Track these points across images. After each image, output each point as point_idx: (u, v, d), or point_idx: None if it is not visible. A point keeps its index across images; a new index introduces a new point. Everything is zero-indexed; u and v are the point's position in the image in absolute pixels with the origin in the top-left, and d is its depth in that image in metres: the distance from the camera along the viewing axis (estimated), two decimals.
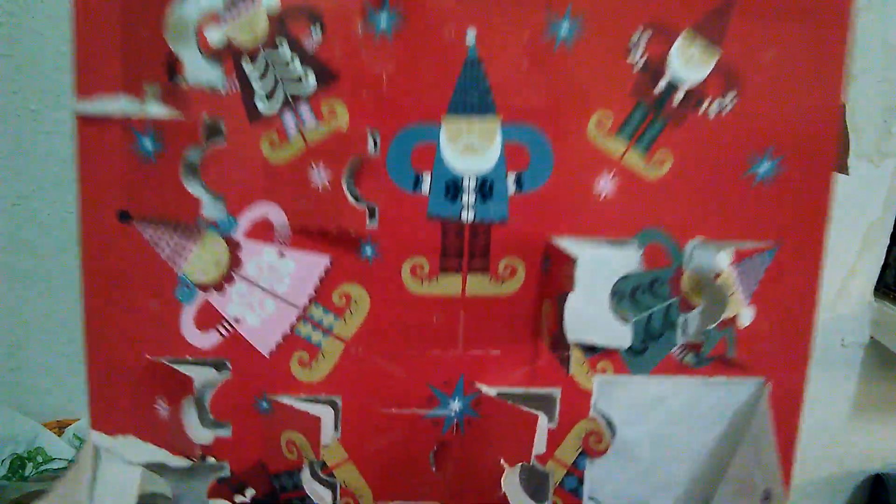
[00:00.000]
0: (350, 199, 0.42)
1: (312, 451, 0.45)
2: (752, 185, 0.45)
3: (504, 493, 0.44)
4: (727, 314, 0.45)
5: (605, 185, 0.45)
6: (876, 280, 0.74)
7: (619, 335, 0.45)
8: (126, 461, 0.46)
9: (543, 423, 0.45)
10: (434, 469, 0.48)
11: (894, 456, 0.79)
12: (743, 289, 0.45)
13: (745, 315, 0.45)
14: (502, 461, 0.45)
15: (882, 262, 0.73)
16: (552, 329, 0.44)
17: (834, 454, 0.79)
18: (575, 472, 0.49)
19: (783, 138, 0.44)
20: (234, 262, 0.44)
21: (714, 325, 0.45)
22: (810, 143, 0.45)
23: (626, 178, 0.44)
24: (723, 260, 0.44)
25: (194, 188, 0.43)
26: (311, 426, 0.44)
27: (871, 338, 0.75)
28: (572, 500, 0.49)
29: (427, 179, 0.44)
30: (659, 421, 0.48)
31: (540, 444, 0.46)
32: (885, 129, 0.70)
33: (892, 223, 0.72)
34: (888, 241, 0.73)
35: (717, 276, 0.44)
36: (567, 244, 0.44)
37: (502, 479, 0.44)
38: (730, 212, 0.45)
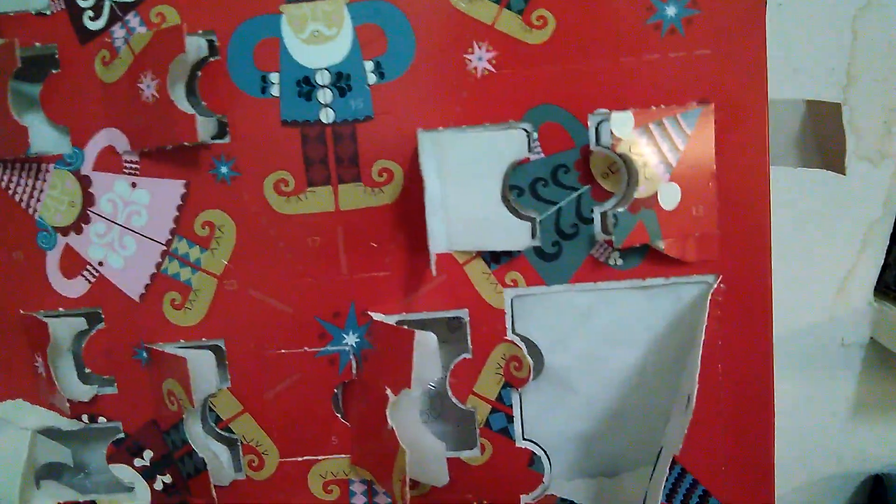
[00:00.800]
0: (178, 105, 0.37)
1: (187, 399, 0.40)
2: (660, 34, 0.37)
3: (391, 428, 0.38)
4: (641, 193, 0.37)
5: (480, 59, 0.38)
6: (876, 280, 0.73)
7: (518, 235, 0.39)
8: (18, 427, 0.44)
9: (429, 341, 0.39)
10: (340, 416, 0.42)
11: (894, 456, 0.78)
12: (659, 160, 0.37)
13: (668, 193, 0.37)
14: (388, 391, 0.38)
15: (882, 263, 0.72)
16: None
17: (833, 454, 0.78)
18: (501, 408, 0.42)
19: None
20: (88, 199, 0.41)
21: (624, 208, 0.37)
22: None
23: (503, 48, 0.38)
24: (621, 121, 0.36)
25: (35, 124, 0.40)
26: (181, 371, 0.40)
27: (871, 338, 0.74)
28: (504, 442, 0.42)
29: (275, 80, 0.39)
30: (590, 340, 0.41)
31: (428, 366, 0.39)
32: (885, 130, 0.69)
33: (892, 223, 0.71)
34: (888, 242, 0.71)
35: (617, 142, 0.36)
36: (439, 136, 0.38)
37: (386, 410, 0.38)
38: (637, 72, 0.38)
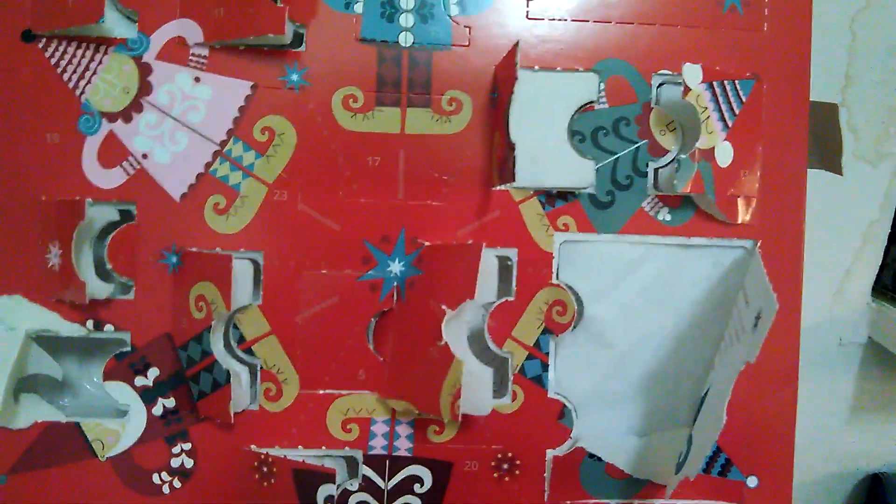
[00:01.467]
0: None
1: (224, 303, 0.38)
2: (722, 10, 0.41)
3: (444, 343, 0.37)
4: (702, 144, 0.39)
5: (559, 8, 0.40)
6: (874, 280, 0.74)
7: (580, 173, 0.40)
8: (9, 327, 0.39)
9: (492, 261, 0.38)
10: (372, 347, 0.41)
11: (892, 455, 0.78)
12: (718, 117, 0.40)
13: (723, 151, 0.40)
14: (443, 306, 0.37)
15: (880, 263, 0.73)
16: (500, 158, 0.39)
17: (832, 453, 0.78)
18: (537, 355, 0.41)
19: None
20: (144, 87, 0.39)
21: (686, 154, 0.39)
22: None
23: (580, 0, 0.40)
24: (692, 72, 0.38)
25: (106, 9, 0.38)
26: (223, 272, 0.38)
27: (869, 338, 0.75)
28: (536, 391, 0.41)
29: None
30: (631, 294, 0.41)
31: (487, 286, 0.38)
32: (884, 131, 0.71)
33: (890, 224, 0.72)
34: (886, 242, 0.73)
35: (686, 91, 0.38)
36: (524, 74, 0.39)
37: (442, 324, 0.37)
38: (699, 41, 0.41)
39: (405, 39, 0.40)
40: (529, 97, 0.40)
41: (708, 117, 0.39)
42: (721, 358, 0.39)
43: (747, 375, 0.41)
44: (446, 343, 0.37)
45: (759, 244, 0.41)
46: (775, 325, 0.39)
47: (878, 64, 0.69)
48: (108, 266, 0.39)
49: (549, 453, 0.41)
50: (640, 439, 0.42)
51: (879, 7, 0.68)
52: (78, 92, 0.39)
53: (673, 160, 0.41)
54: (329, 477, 0.38)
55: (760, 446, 0.42)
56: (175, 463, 0.40)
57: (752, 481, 0.42)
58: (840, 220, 0.72)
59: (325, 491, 0.38)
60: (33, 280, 0.39)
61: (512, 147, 0.35)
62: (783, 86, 0.41)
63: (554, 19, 0.40)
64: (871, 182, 0.71)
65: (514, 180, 0.35)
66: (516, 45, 0.35)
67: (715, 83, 0.39)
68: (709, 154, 0.39)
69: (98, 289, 0.39)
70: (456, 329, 0.38)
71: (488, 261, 0.39)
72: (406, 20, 0.40)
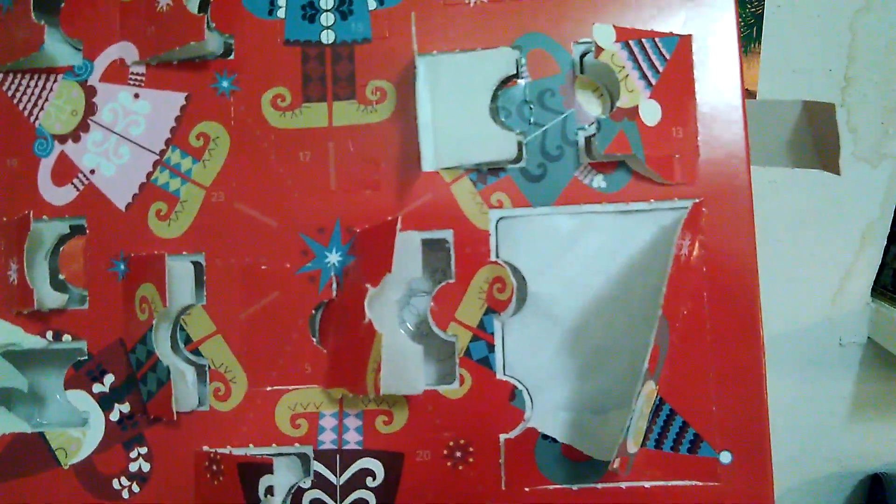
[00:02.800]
0: (189, 9, 0.40)
1: (160, 300, 0.39)
2: None
3: (367, 321, 0.36)
4: (623, 103, 0.38)
5: None
6: (873, 280, 0.73)
7: (503, 146, 0.40)
8: None
9: (411, 238, 0.38)
10: (316, 340, 0.41)
11: (892, 455, 0.76)
12: (639, 76, 0.39)
13: (648, 109, 0.39)
14: (367, 285, 0.37)
15: (879, 263, 0.73)
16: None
17: (832, 454, 0.77)
18: (483, 336, 0.40)
19: None
20: (90, 108, 0.42)
21: (606, 116, 0.38)
22: None
23: None
24: (602, 32, 0.38)
25: (51, 42, 0.42)
26: (158, 269, 0.39)
27: (869, 338, 0.74)
28: (484, 374, 0.40)
29: (282, 3, 0.42)
30: (574, 266, 0.40)
31: (411, 265, 0.38)
32: (883, 131, 0.71)
33: (890, 224, 0.72)
34: (885, 242, 0.72)
35: (599, 51, 0.38)
36: (433, 59, 0.40)
37: (365, 301, 0.37)
38: (618, 7, 0.40)
39: (327, 37, 0.42)
40: (451, 79, 0.40)
41: (627, 76, 0.39)
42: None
43: (707, 341, 0.39)
44: (370, 320, 0.37)
45: (701, 201, 0.39)
46: (734, 277, 0.37)
47: (878, 64, 0.68)
48: (61, 276, 0.41)
49: (503, 437, 0.40)
50: (597, 417, 0.40)
51: (879, 7, 0.67)
52: (32, 118, 0.42)
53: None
54: (267, 468, 0.38)
55: (731, 420, 0.39)
56: (133, 467, 0.41)
57: (725, 457, 0.39)
58: (839, 221, 0.71)
59: (266, 482, 0.38)
60: None
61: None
62: (713, 40, 0.40)
63: (471, 3, 0.41)
64: (870, 182, 0.70)
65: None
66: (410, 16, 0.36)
67: (631, 42, 0.39)
68: (632, 113, 0.39)
69: (51, 298, 0.41)
70: (380, 305, 0.38)
71: (408, 239, 0.38)
72: (326, 19, 0.42)
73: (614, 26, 0.39)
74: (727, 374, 0.39)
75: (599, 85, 0.40)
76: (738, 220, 0.40)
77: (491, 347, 0.40)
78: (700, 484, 0.39)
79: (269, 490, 0.38)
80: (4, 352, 0.42)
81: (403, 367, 0.37)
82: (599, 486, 0.40)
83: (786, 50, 0.64)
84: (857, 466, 0.76)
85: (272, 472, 0.38)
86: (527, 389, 0.40)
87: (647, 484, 0.39)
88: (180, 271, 0.40)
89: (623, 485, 0.39)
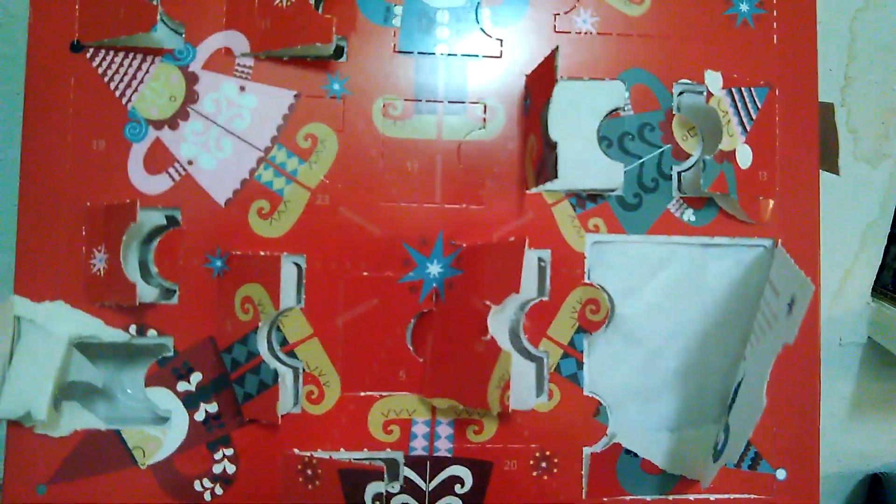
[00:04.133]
0: (314, 6, 0.39)
1: (272, 303, 0.38)
2: (734, 25, 0.44)
3: (490, 338, 0.38)
4: (724, 146, 0.41)
5: (585, 21, 0.43)
6: (873, 280, 0.74)
7: (611, 175, 0.42)
8: (51, 334, 0.39)
9: (533, 259, 0.40)
10: (411, 348, 0.41)
11: (892, 455, 0.77)
12: (738, 121, 0.42)
13: (743, 153, 0.42)
14: (487, 302, 0.38)
15: (880, 263, 0.73)
16: (536, 161, 0.40)
17: (831, 453, 0.77)
18: (573, 354, 0.42)
19: None
20: (191, 95, 0.40)
21: (710, 156, 0.41)
22: None
23: (605, 15, 0.43)
24: (714, 79, 0.41)
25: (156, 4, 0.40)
26: (271, 272, 0.38)
27: (869, 338, 0.74)
28: (572, 389, 0.42)
29: (398, 12, 0.42)
30: (659, 292, 0.43)
31: (530, 281, 0.40)
32: (883, 131, 0.70)
33: (890, 224, 0.72)
34: (885, 242, 0.73)
35: (709, 96, 0.41)
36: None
37: (488, 318, 0.38)
38: (713, 53, 0.43)
39: (441, 50, 0.42)
40: (561, 104, 0.42)
41: (729, 121, 0.42)
42: (753, 348, 0.41)
43: (772, 370, 0.43)
44: (492, 337, 0.38)
45: (779, 241, 0.43)
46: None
47: (878, 64, 0.69)
48: (154, 270, 0.40)
49: (587, 450, 0.42)
50: (672, 434, 0.43)
51: (879, 7, 0.68)
52: (124, 100, 0.40)
53: (696, 163, 0.43)
54: (377, 475, 0.39)
55: (787, 439, 0.43)
56: (217, 469, 0.40)
57: (780, 474, 0.43)
58: (840, 221, 0.71)
59: (373, 489, 0.39)
60: (76, 286, 0.40)
61: (552, 146, 0.37)
62: (793, 92, 0.44)
63: (580, 32, 0.43)
64: (870, 182, 0.71)
65: (556, 176, 0.37)
66: (555, 50, 0.38)
67: (733, 89, 0.42)
68: (730, 156, 0.42)
69: (145, 292, 0.39)
70: (499, 324, 0.39)
71: (529, 259, 0.40)
72: (442, 33, 0.42)
73: (722, 74, 0.42)
74: (787, 397, 0.43)
75: (695, 124, 0.43)
76: (806, 257, 0.43)
77: (580, 365, 0.42)
78: (757, 497, 0.43)
79: (378, 497, 0.38)
80: (80, 343, 0.40)
81: (515, 383, 0.39)
82: (671, 497, 0.43)
83: None
84: (856, 466, 0.77)
85: (382, 480, 0.39)
86: (608, 406, 0.43)
87: (712, 496, 0.43)
88: (285, 272, 0.40)
89: (692, 496, 0.43)
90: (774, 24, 0.44)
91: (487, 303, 0.38)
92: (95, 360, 0.41)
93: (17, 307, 0.39)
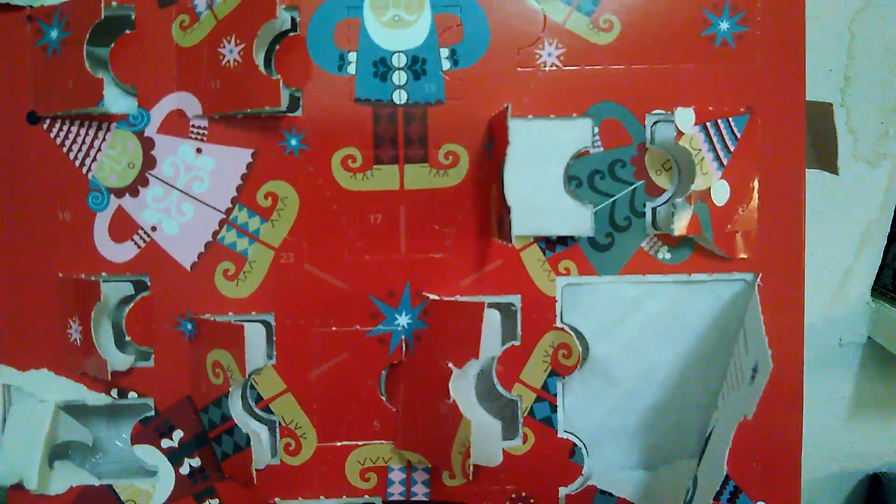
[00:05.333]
0: (262, 68, 0.38)
1: (239, 371, 0.39)
2: (714, 46, 0.41)
3: (452, 402, 0.38)
4: (697, 185, 0.39)
5: (550, 54, 0.41)
6: (873, 280, 0.74)
7: (578, 221, 0.40)
8: (39, 399, 0.41)
9: (494, 318, 0.40)
10: (384, 398, 0.42)
11: (892, 455, 0.77)
12: (713, 157, 0.40)
13: (719, 190, 0.40)
14: (450, 364, 0.38)
15: (879, 263, 0.73)
16: (499, 212, 0.39)
17: (831, 454, 0.78)
18: (546, 397, 0.42)
19: None
20: (148, 161, 0.40)
21: (682, 198, 0.39)
22: None
23: (571, 46, 0.41)
24: (684, 116, 0.39)
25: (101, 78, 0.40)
26: (236, 340, 0.39)
27: (869, 337, 0.74)
28: (546, 432, 0.42)
29: (353, 59, 0.40)
30: (634, 331, 0.42)
31: (490, 343, 0.40)
32: (883, 131, 0.70)
33: (889, 224, 0.72)
34: (885, 242, 0.73)
35: (679, 135, 0.39)
36: (510, 123, 0.40)
37: (449, 383, 0.38)
38: (691, 78, 0.41)
39: (399, 97, 0.40)
40: (524, 147, 0.40)
41: (702, 159, 0.39)
42: (724, 400, 0.40)
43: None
44: (454, 401, 0.38)
45: (759, 277, 0.42)
46: (781, 352, 0.40)
47: (878, 64, 0.68)
48: (127, 338, 0.41)
49: (562, 491, 0.43)
50: (648, 473, 0.43)
51: (878, 7, 0.66)
52: (84, 170, 0.40)
53: (671, 198, 0.41)
54: None
55: (768, 472, 0.43)
56: None
57: None
58: (839, 220, 0.71)
59: None
60: (57, 354, 0.41)
61: (508, 210, 0.36)
62: (778, 117, 0.41)
63: (545, 66, 0.41)
64: (870, 182, 0.71)
65: (511, 242, 0.36)
66: (505, 109, 0.36)
67: (708, 124, 0.40)
68: (704, 195, 0.40)
69: (119, 361, 0.40)
70: (463, 385, 0.40)
71: (490, 317, 0.39)
72: (399, 78, 0.40)
73: (694, 109, 0.39)
74: (768, 431, 0.43)
75: (669, 157, 0.41)
76: (789, 293, 0.42)
77: (553, 408, 0.42)
78: None
79: None
80: (66, 406, 0.42)
81: (484, 441, 0.39)
82: None
83: None
84: (856, 466, 0.78)
85: None
86: (584, 446, 0.43)
87: None
88: (252, 334, 0.40)
89: None
90: (758, 42, 0.41)
91: (450, 365, 0.38)
92: (84, 420, 0.43)
93: (4, 376, 0.41)
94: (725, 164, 0.40)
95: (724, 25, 0.41)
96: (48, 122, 0.40)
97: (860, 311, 0.73)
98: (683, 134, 0.39)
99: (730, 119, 0.40)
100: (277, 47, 0.40)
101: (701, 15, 0.41)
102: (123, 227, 0.41)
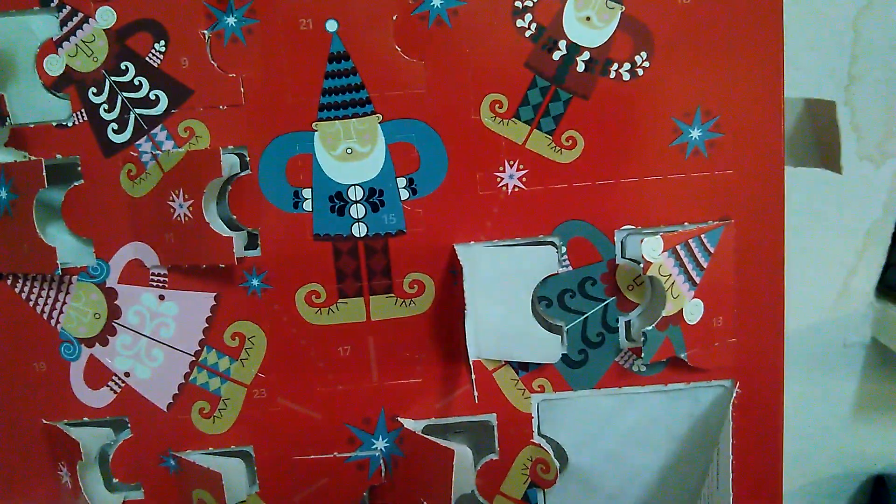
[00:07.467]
0: (213, 226, 0.37)
1: None
2: (685, 156, 0.39)
3: None
4: (668, 310, 0.38)
5: (511, 176, 0.39)
6: (877, 280, 0.72)
7: (548, 348, 0.40)
8: None
9: (466, 457, 0.40)
10: None
11: None
12: (684, 279, 0.38)
13: (692, 310, 0.39)
14: (423, 503, 0.39)
15: (884, 262, 0.72)
16: (464, 353, 0.39)
17: (835, 455, 0.77)
18: None
19: (712, 98, 0.38)
20: (113, 311, 0.40)
21: (652, 326, 0.38)
22: (747, 99, 0.38)
23: (533, 166, 0.39)
24: (651, 246, 0.37)
25: (57, 234, 0.39)
26: (215, 486, 0.40)
27: (873, 338, 0.73)
28: None
29: (308, 195, 0.39)
30: (613, 441, 0.42)
31: (464, 482, 0.40)
32: (887, 130, 0.68)
33: (894, 223, 0.71)
34: (890, 241, 0.71)
35: (647, 266, 0.37)
36: (470, 250, 0.39)
37: None
38: (661, 191, 0.39)
39: (359, 230, 0.39)
40: (490, 272, 0.39)
41: (672, 283, 0.38)
42: (704, 502, 0.40)
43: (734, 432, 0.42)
44: None
45: (737, 385, 0.41)
46: (760, 462, 0.39)
47: (882, 62, 0.64)
48: (115, 480, 0.42)
49: None
50: None
51: (882, 5, 0.62)
52: (53, 322, 0.41)
53: (644, 311, 0.40)
54: None
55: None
56: None
57: None
58: (843, 220, 0.69)
59: None
60: (50, 496, 0.43)
61: (470, 370, 0.35)
62: (756, 224, 0.39)
63: (508, 190, 0.39)
64: (874, 181, 0.68)
65: (475, 401, 0.35)
66: (460, 272, 0.35)
67: (678, 246, 0.38)
68: (676, 318, 0.39)
69: (109, 502, 0.42)
70: None
71: (462, 456, 0.40)
72: (357, 211, 0.39)
73: (662, 235, 0.37)
74: (749, 465, 0.43)
75: (640, 271, 0.40)
76: (769, 402, 0.41)
77: None
78: None
79: None
80: None
81: None
82: None
83: (788, 48, 0.60)
84: (860, 468, 0.77)
85: None
86: None
87: None
88: (231, 469, 0.41)
89: None
90: (732, 148, 0.38)
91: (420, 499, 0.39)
92: None
93: None
94: (698, 282, 0.39)
95: (695, 133, 0.38)
96: (11, 278, 0.40)
97: (864, 312, 0.72)
98: (651, 264, 0.37)
99: (701, 236, 0.39)
100: (230, 187, 0.39)
101: (670, 124, 0.38)
102: (98, 375, 0.41)
